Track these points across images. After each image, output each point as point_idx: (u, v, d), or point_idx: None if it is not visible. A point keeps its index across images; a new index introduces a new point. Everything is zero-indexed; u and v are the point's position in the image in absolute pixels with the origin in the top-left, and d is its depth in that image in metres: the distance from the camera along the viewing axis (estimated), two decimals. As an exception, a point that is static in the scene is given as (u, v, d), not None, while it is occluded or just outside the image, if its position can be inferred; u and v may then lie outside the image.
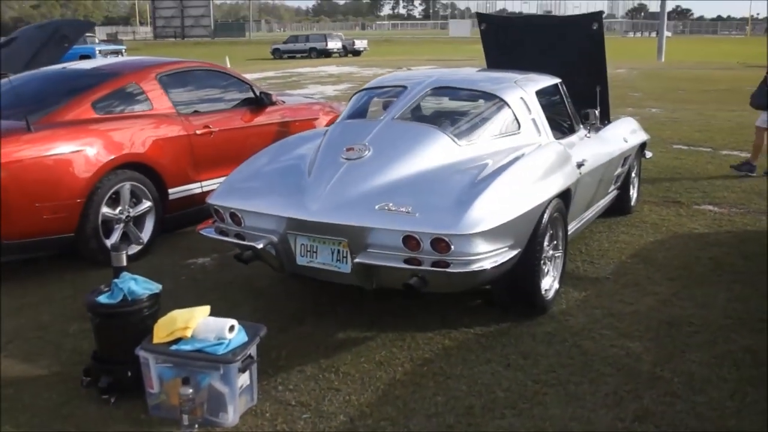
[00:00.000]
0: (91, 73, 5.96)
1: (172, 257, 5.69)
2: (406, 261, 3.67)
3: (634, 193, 6.78)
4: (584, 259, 5.50)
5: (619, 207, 6.54)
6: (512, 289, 4.26)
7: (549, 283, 4.51)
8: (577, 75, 6.70)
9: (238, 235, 4.19)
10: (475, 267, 3.62)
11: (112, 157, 5.37)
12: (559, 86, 5.39)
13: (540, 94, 4.97)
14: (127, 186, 5.52)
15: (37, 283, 5.16)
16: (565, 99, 5.40)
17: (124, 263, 3.57)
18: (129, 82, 5.86)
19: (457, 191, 3.82)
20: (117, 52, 34.52)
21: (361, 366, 3.83)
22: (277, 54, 44.16)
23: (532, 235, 4.09)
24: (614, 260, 5.47)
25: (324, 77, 25.24)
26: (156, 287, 3.56)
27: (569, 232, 4.95)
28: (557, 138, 5.01)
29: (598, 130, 5.97)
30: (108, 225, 5.46)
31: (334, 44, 45.21)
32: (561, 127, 5.38)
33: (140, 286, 3.49)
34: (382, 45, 48.11)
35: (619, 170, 6.12)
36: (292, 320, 4.42)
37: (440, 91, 4.92)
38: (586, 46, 6.54)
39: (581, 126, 5.55)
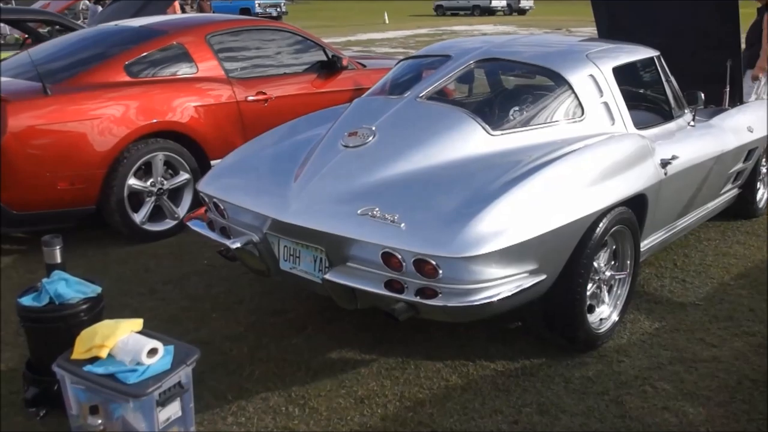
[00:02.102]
0: (135, 32, 5.52)
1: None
2: (388, 284, 2.91)
3: (763, 193, 5.53)
4: (675, 275, 4.45)
5: (742, 209, 5.34)
6: (548, 318, 3.39)
7: (604, 313, 3.58)
8: (702, 47, 5.55)
9: (223, 230, 3.58)
10: (473, 299, 2.80)
11: (141, 124, 4.93)
12: (656, 60, 4.31)
13: (622, 70, 3.94)
14: (159, 156, 5.08)
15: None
16: (663, 77, 4.32)
17: (58, 260, 3.07)
18: (172, 43, 5.37)
19: (465, 196, 2.99)
20: (276, 6, 34.84)
21: (335, 402, 3.14)
22: (440, 11, 43.09)
23: (573, 254, 3.19)
24: (713, 280, 4.38)
25: (474, 35, 24.13)
26: (93, 290, 3.04)
27: (648, 246, 3.96)
28: (644, 126, 3.97)
29: (713, 115, 4.82)
30: (139, 197, 5.06)
31: (498, 2, 43.37)
32: (653, 112, 4.32)
33: (72, 289, 2.98)
34: (551, 4, 45.62)
35: (740, 166, 4.93)
36: (288, 328, 3.79)
37: (488, 64, 4.02)
38: (715, 11, 5.33)
39: (685, 111, 4.44)
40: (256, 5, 34.00)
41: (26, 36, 9.87)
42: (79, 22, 12.03)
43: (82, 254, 4.87)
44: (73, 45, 5.51)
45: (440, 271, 2.77)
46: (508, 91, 4.01)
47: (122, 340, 2.77)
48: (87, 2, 16.88)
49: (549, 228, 3.00)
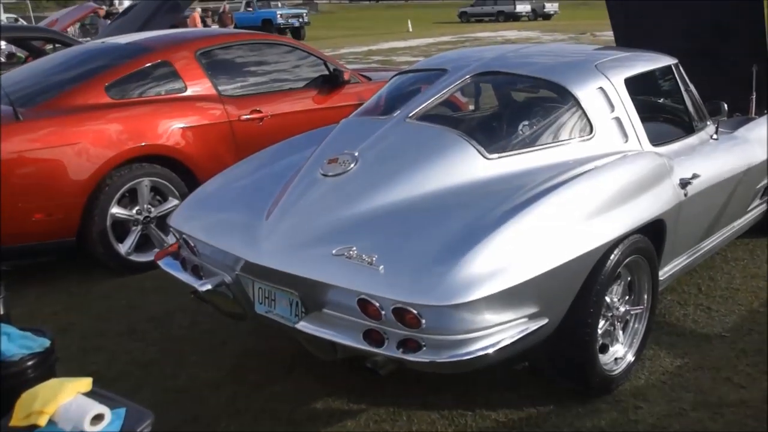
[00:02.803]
0: (120, 50, 5.24)
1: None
2: (367, 334, 2.57)
3: (794, 207, 5.09)
4: (699, 302, 4.06)
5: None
6: (556, 361, 3.03)
7: (619, 353, 3.21)
8: (725, 50, 5.16)
9: (195, 268, 3.26)
10: (463, 351, 2.45)
11: (124, 149, 4.65)
12: (674, 69, 3.93)
13: (636, 81, 3.57)
14: (145, 182, 4.80)
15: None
16: (682, 87, 3.93)
17: (1, 311, 2.77)
18: (159, 61, 5.08)
19: (454, 232, 2.64)
20: (298, 16, 34.51)
21: (314, 463, 2.81)
22: (464, 17, 42.71)
23: (581, 291, 2.83)
24: (741, 307, 3.99)
25: (498, 42, 23.72)
26: (40, 344, 2.72)
27: (669, 274, 3.59)
28: (661, 142, 3.60)
29: (738, 125, 4.42)
30: (124, 227, 4.78)
31: (522, 7, 42.86)
32: (671, 126, 3.94)
33: (15, 344, 2.67)
34: (578, 8, 44.87)
35: (769, 180, 4.53)
36: (273, 372, 3.48)
37: (487, 78, 3.66)
38: (738, 10, 4.94)
39: (708, 123, 4.05)
40: (278, 16, 33.75)
41: (28, 54, 9.70)
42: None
43: (64, 289, 4.61)
44: (55, 66, 5.26)
45: (423, 321, 2.43)
46: (507, 108, 3.65)
47: (65, 405, 2.44)
48: (97, 17, 16.81)
49: (552, 266, 2.65)
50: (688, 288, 4.24)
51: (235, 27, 24.07)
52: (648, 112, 3.80)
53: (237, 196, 3.28)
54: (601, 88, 3.38)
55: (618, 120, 3.39)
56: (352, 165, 3.04)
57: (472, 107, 3.97)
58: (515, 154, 3.08)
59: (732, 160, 4.03)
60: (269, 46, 5.78)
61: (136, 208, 4.79)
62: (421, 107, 3.32)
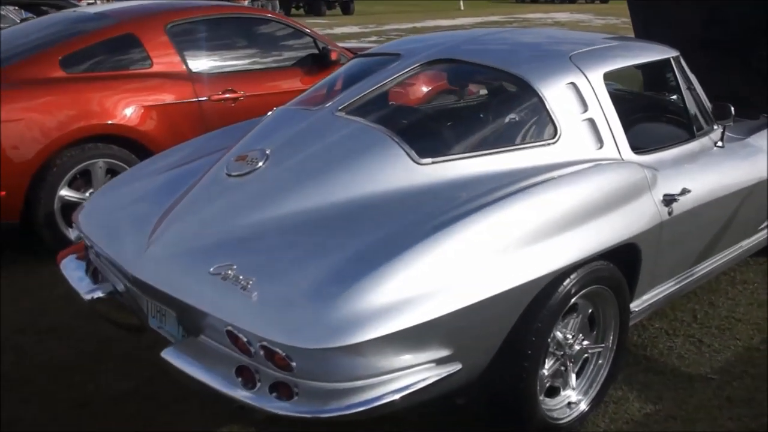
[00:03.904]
0: (84, 20, 4.89)
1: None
2: (239, 371, 2.16)
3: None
4: (691, 333, 3.55)
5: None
6: (492, 404, 2.58)
7: (572, 397, 2.74)
8: (750, 46, 4.57)
9: (96, 273, 2.89)
10: (340, 405, 2.02)
11: (74, 127, 4.32)
12: (673, 63, 3.38)
13: (617, 76, 3.04)
14: (100, 164, 4.48)
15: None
16: (682, 84, 3.38)
17: None
18: (123, 33, 4.72)
19: (350, 255, 2.20)
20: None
21: None
22: (521, -2, 41.43)
23: (517, 328, 2.37)
24: (739, 343, 3.46)
25: (546, 24, 22.83)
26: None
27: (649, 302, 3.10)
28: (649, 150, 3.09)
29: (755, 131, 3.85)
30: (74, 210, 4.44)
31: (582, -12, 41.31)
32: (665, 130, 3.41)
33: None
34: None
35: (788, 193, 3.94)
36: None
37: (441, 67, 3.17)
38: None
39: (714, 127, 3.50)
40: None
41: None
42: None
43: (10, 274, 4.30)
44: (18, 35, 4.93)
45: (293, 364, 2.00)
46: (455, 103, 3.16)
47: None
48: None
49: (469, 302, 2.19)
50: (681, 314, 3.71)
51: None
52: (637, 114, 3.28)
53: (142, 195, 2.89)
54: (572, 83, 2.87)
55: (591, 122, 2.88)
56: (260, 164, 2.62)
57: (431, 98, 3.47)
58: (455, 160, 2.61)
59: (739, 172, 3.49)
60: (253, 21, 5.37)
61: (90, 190, 4.46)
62: (354, 99, 2.86)
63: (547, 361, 2.61)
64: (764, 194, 3.69)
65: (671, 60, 3.37)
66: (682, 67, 3.42)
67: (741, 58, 4.73)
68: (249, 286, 2.13)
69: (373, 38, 18.07)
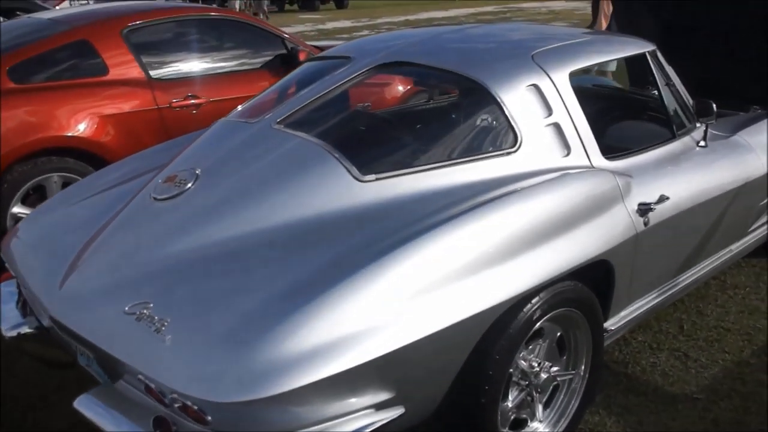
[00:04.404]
0: (37, 26, 4.66)
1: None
2: (157, 422, 1.93)
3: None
4: (677, 346, 3.31)
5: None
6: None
7: (539, 430, 2.50)
8: (743, 29, 4.32)
9: (25, 304, 2.66)
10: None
11: (25, 141, 4.10)
12: (649, 58, 3.13)
13: (585, 75, 2.80)
14: (54, 178, 4.25)
15: None
16: (659, 81, 3.14)
17: None
18: (76, 40, 4.48)
19: (276, 291, 1.97)
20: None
21: None
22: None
23: (472, 358, 2.14)
24: (728, 356, 3.22)
25: (541, 14, 22.46)
26: None
27: (628, 319, 2.86)
28: (622, 154, 2.84)
29: (741, 126, 3.60)
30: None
31: (576, -22, 40.63)
32: (641, 131, 3.17)
33: None
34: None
35: (780, 193, 3.70)
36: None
37: (395, 70, 2.92)
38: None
39: (696, 126, 3.25)
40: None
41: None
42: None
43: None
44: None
45: (208, 418, 1.77)
46: (404, 111, 2.91)
47: None
48: None
49: (413, 338, 1.95)
50: (666, 325, 3.48)
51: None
52: (611, 114, 3.03)
53: (70, 220, 2.65)
54: (534, 85, 2.63)
55: (556, 127, 2.63)
56: (188, 185, 2.39)
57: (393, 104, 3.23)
58: (401, 175, 2.36)
59: (724, 173, 3.25)
60: (217, 23, 5.11)
61: (44, 207, 4.22)
62: (295, 110, 2.62)
63: (510, 392, 2.38)
64: (754, 194, 3.45)
65: (647, 55, 3.12)
66: (659, 62, 3.17)
67: (728, 45, 4.49)
68: (163, 328, 1.90)
69: (365, 32, 17.81)
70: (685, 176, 3.01)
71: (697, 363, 3.17)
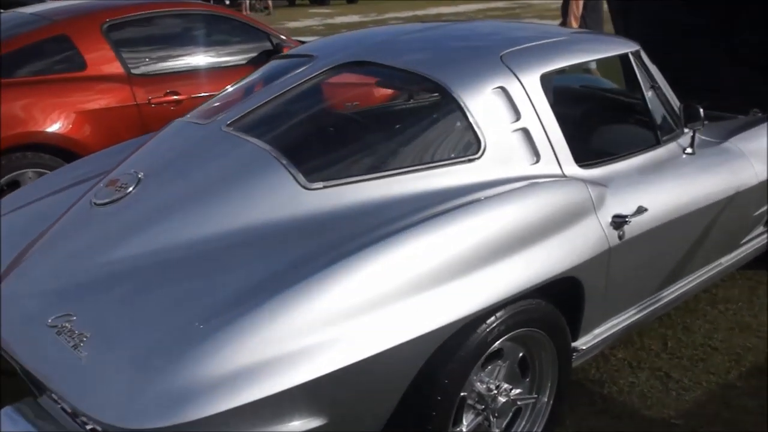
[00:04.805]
0: (16, 21, 4.56)
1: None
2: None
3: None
4: (658, 365, 3.15)
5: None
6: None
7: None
8: (742, 28, 4.15)
9: None
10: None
11: (1, 136, 3.98)
12: (632, 59, 2.96)
13: (561, 76, 2.64)
14: (29, 174, 4.15)
15: None
16: (642, 83, 2.97)
17: None
18: (55, 34, 4.37)
19: (199, 309, 1.83)
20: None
21: None
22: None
23: (416, 384, 1.99)
24: (712, 378, 3.05)
25: (551, 10, 22.12)
26: None
27: (602, 337, 2.71)
28: (598, 162, 2.68)
29: (734, 132, 3.42)
30: (1, 225, 4.12)
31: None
32: (623, 137, 3.00)
33: None
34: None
35: (773, 203, 3.53)
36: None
37: (356, 70, 2.77)
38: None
39: (684, 131, 3.08)
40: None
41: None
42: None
43: None
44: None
45: (117, 445, 1.64)
46: (363, 114, 2.75)
47: None
48: None
49: (349, 361, 1.81)
50: (650, 342, 3.31)
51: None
52: (589, 119, 2.86)
53: (14, 223, 2.52)
54: (501, 88, 2.47)
55: (524, 132, 2.47)
56: (130, 189, 2.25)
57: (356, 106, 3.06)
58: (352, 183, 2.22)
59: (713, 182, 3.07)
60: (201, 18, 4.99)
61: (17, 204, 4.12)
62: (247, 111, 2.48)
63: (465, 416, 2.24)
64: (746, 205, 3.27)
65: (629, 55, 2.94)
66: (643, 63, 3.00)
67: (728, 46, 4.31)
68: (81, 344, 1.78)
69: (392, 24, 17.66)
70: (668, 185, 2.85)
71: (679, 384, 3.00)
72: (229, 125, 2.43)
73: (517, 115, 2.47)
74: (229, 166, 2.26)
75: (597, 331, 2.70)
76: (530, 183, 2.40)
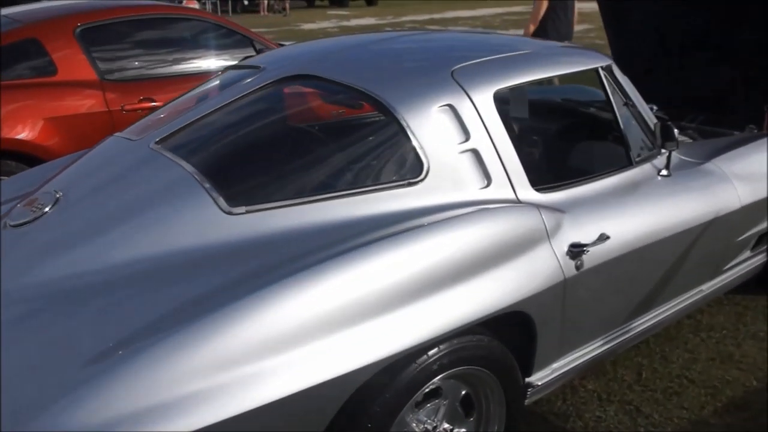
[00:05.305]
0: (-14, 24, 4.45)
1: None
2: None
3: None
4: (629, 398, 2.97)
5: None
6: None
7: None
8: (739, 42, 3.98)
9: None
10: None
11: (-44, 144, 3.87)
12: (602, 75, 2.78)
13: (516, 94, 2.48)
14: (-7, 183, 4.01)
15: None
16: (613, 100, 2.78)
17: None
18: (25, 38, 4.26)
19: (87, 350, 1.69)
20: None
21: None
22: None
23: (336, 427, 1.84)
24: (685, 413, 2.87)
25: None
26: None
27: (561, 371, 2.55)
28: (558, 185, 2.51)
29: (719, 152, 3.23)
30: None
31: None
32: (590, 158, 2.82)
33: None
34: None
35: (762, 227, 3.33)
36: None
37: (302, 83, 2.61)
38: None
39: (662, 152, 2.90)
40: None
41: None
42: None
43: None
44: None
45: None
46: (299, 133, 2.59)
47: None
48: None
49: (254, 404, 1.67)
50: (623, 372, 3.13)
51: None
52: (554, 138, 2.69)
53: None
54: (449, 106, 2.30)
55: (474, 154, 2.31)
56: (46, 209, 2.12)
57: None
58: (278, 208, 2.06)
59: (691, 206, 2.89)
60: (179, 22, 4.87)
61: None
62: (180, 127, 2.33)
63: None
64: (727, 230, 3.08)
65: (599, 71, 2.76)
66: (615, 78, 2.81)
67: (727, 58, 4.12)
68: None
69: (387, 30, 17.49)
70: (638, 210, 2.67)
71: (649, 420, 2.82)
72: (158, 143, 2.28)
73: (466, 136, 2.31)
74: (149, 187, 2.12)
75: (556, 365, 2.53)
76: (477, 209, 2.23)
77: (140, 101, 4.44)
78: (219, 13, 23.81)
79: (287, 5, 22.69)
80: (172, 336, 1.66)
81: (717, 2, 4.01)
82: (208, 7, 23.95)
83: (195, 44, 4.85)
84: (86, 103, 4.30)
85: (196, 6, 17.74)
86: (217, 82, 2.84)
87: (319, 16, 22.04)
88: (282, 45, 5.08)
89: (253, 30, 5.17)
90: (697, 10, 4.11)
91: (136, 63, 4.59)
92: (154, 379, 1.61)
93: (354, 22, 19.79)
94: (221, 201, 2.02)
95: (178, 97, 2.85)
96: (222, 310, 1.73)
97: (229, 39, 4.96)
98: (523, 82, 2.55)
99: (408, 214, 2.15)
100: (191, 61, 4.78)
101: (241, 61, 3.11)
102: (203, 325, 1.70)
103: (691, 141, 3.59)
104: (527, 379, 2.42)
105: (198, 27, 4.91)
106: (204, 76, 4.69)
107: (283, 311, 1.78)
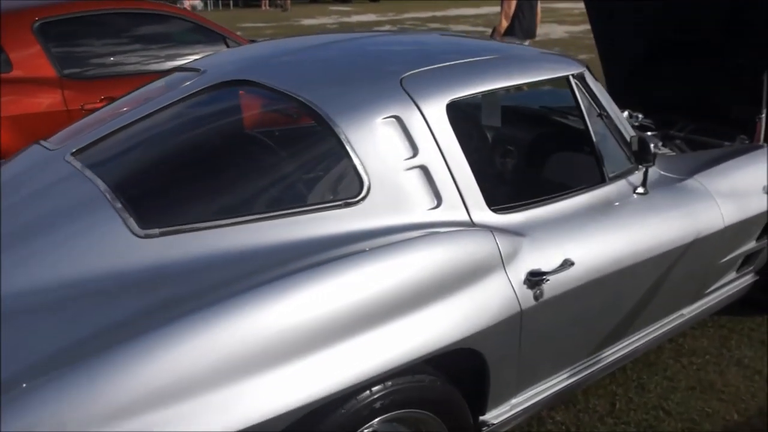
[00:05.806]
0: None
1: None
2: None
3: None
4: (600, 431, 2.74)
5: (763, 301, 3.49)
6: None
7: None
8: (732, 51, 3.76)
9: None
10: None
11: None
12: (573, 83, 2.55)
13: (488, 101, 2.25)
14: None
15: None
16: (585, 111, 2.56)
17: None
18: (-22, 33, 4.04)
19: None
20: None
21: None
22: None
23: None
24: (658, 452, 2.64)
25: (573, 15, 21.59)
26: None
27: (522, 408, 2.33)
28: (520, 205, 2.28)
29: (704, 167, 3.00)
30: None
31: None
32: (558, 175, 2.60)
33: None
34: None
35: (750, 246, 3.11)
36: None
37: (239, 89, 2.38)
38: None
39: (639, 168, 2.67)
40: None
41: None
42: None
43: None
44: None
45: None
46: (224, 146, 2.35)
47: None
48: None
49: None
50: (596, 401, 2.91)
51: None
52: (515, 153, 2.47)
53: None
54: (395, 117, 2.08)
55: (423, 171, 2.09)
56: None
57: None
58: (196, 230, 1.85)
59: (667, 226, 2.67)
60: (145, 17, 4.64)
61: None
62: (100, 137, 2.12)
63: None
64: (709, 252, 2.86)
65: (569, 79, 2.53)
66: (588, 87, 2.59)
67: (720, 63, 3.90)
68: None
69: (386, 28, 17.27)
70: (608, 232, 2.45)
71: (618, 458, 2.60)
72: (73, 154, 2.07)
73: (414, 151, 2.09)
74: (58, 205, 1.91)
75: (515, 400, 2.32)
76: (424, 232, 2.01)
77: (102, 100, 4.21)
78: (220, 8, 23.57)
79: (288, 1, 22.47)
80: (61, 380, 1.46)
81: (708, 4, 3.80)
82: (210, 1, 23.73)
83: (161, 41, 4.63)
84: (44, 101, 4.09)
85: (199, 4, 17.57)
86: (160, 84, 2.62)
87: (319, 12, 21.81)
88: (253, 41, 4.86)
89: (249, 24, 4.95)
90: (686, 11, 3.90)
91: (99, 60, 4.37)
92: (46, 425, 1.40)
93: (354, 18, 19.56)
94: (131, 222, 1.81)
95: (116, 100, 2.63)
96: (118, 349, 1.52)
97: (199, 35, 4.74)
98: (483, 92, 2.33)
99: (345, 238, 1.93)
100: (156, 58, 4.56)
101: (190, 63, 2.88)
102: (99, 366, 1.49)
103: (674, 154, 3.37)
104: (481, 418, 2.21)
105: (165, 23, 4.69)
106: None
107: (193, 351, 1.57)
